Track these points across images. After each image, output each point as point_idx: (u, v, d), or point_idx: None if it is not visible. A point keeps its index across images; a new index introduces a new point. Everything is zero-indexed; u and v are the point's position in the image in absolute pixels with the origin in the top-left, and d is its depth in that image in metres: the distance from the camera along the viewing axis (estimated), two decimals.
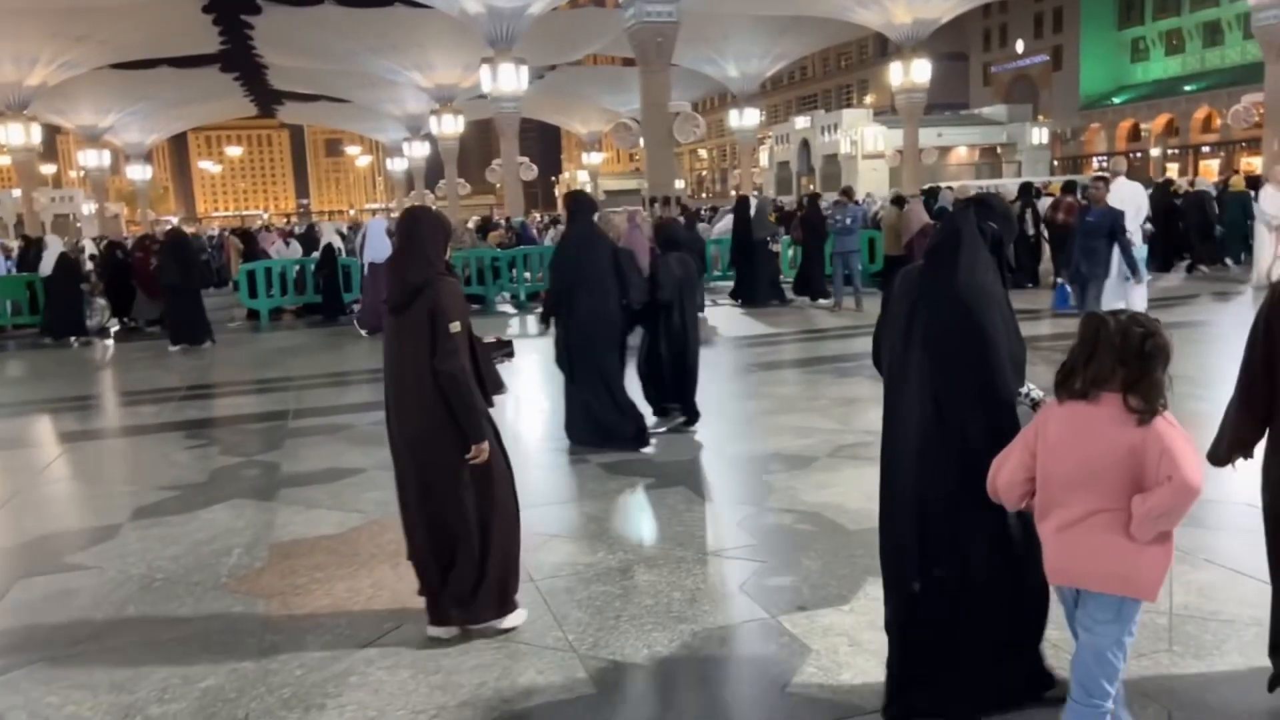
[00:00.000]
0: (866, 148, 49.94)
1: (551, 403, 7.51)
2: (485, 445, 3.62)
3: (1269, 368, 2.76)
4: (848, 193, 15.01)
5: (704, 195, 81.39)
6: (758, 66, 44.48)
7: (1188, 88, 55.59)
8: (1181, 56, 59.03)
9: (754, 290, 14.53)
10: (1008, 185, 23.21)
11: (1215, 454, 2.88)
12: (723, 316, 13.92)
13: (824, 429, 7.01)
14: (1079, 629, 2.52)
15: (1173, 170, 48.70)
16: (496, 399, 3.83)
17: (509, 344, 4.59)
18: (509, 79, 31.17)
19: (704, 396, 7.25)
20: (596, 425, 6.58)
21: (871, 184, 41.11)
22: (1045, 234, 14.64)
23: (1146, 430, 2.30)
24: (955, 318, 2.81)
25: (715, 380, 8.63)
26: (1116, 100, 61.62)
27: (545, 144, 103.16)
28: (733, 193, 53.43)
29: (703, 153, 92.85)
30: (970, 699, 2.90)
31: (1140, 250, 10.17)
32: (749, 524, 5.08)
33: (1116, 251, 9.66)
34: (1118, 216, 9.27)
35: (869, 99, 67.48)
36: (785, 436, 6.85)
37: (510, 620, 3.81)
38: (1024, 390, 2.82)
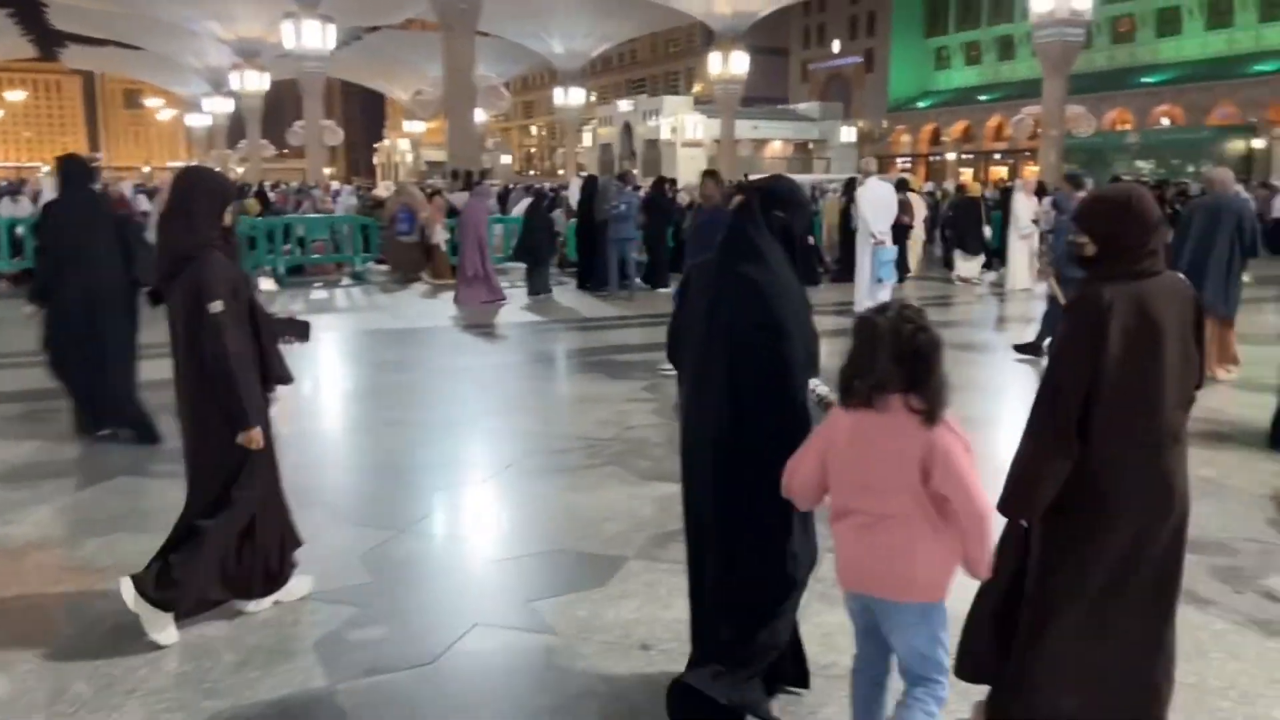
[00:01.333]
0: (686, 135, 50.79)
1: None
2: (255, 432, 3.43)
3: (1085, 402, 2.52)
4: (624, 177, 14.78)
5: (532, 172, 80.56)
6: (583, 45, 44.32)
7: (982, 97, 59.49)
8: (979, 67, 63.15)
9: (594, 273, 13.97)
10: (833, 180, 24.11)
11: (1019, 505, 2.63)
12: (557, 301, 13.50)
13: (534, 431, 6.52)
14: (889, 638, 2.48)
15: (966, 174, 52.08)
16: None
17: (304, 325, 4.10)
18: (313, 36, 29.68)
19: (422, 392, 6.89)
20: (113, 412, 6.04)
21: (691, 172, 41.87)
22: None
23: (933, 439, 2.27)
24: (752, 311, 2.74)
25: (437, 374, 8.35)
26: (921, 105, 65.21)
27: (369, 110, 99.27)
28: (560, 171, 53.22)
29: (534, 129, 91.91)
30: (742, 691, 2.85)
31: (889, 252, 10.65)
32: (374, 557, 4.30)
33: (870, 254, 10.16)
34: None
35: (696, 88, 68.62)
36: (476, 442, 6.45)
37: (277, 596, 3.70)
38: (811, 386, 2.77)
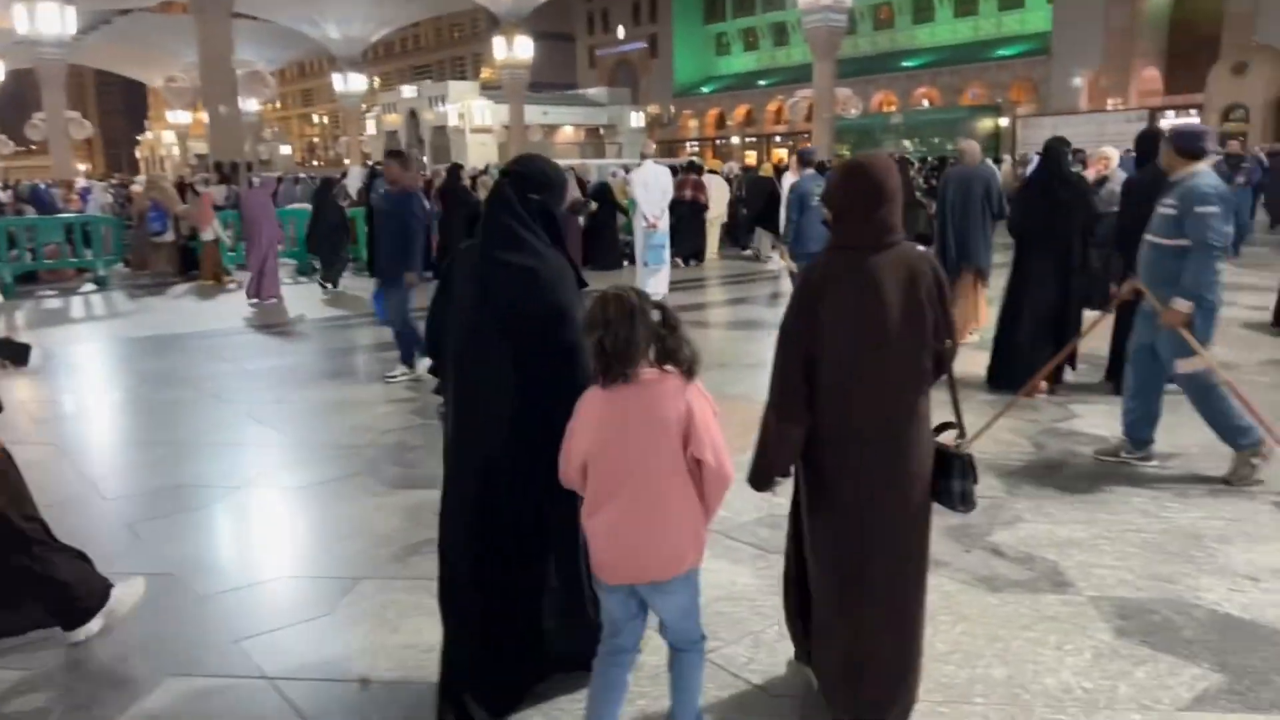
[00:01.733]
0: (474, 121, 49.81)
1: None
2: None
3: (809, 367, 2.55)
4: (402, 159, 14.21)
5: (316, 162, 76.71)
6: (361, 30, 42.47)
7: (761, 82, 61.92)
8: (757, 53, 65.71)
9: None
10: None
11: (758, 476, 2.65)
12: (344, 293, 12.77)
13: (280, 443, 6.24)
14: (660, 614, 2.50)
15: (751, 157, 53.96)
16: None
17: (21, 347, 3.50)
18: (51, 21, 26.84)
19: (156, 406, 6.26)
20: None
21: (481, 158, 41.04)
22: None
23: (689, 402, 2.32)
24: (530, 300, 2.66)
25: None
26: (705, 90, 67.15)
27: (131, 101, 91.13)
28: (346, 161, 50.85)
29: (316, 118, 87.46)
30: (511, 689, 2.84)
31: (659, 236, 10.64)
32: None
33: (642, 237, 10.08)
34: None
35: (484, 73, 67.47)
36: (206, 460, 5.79)
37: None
38: None
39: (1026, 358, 6.19)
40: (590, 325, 2.33)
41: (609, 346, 2.30)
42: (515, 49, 37.72)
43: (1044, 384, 6.23)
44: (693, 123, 67.22)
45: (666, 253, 10.89)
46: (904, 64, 55.37)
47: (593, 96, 60.01)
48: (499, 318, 2.67)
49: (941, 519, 4.14)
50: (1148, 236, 4.70)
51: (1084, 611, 3.34)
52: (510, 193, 2.76)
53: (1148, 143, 6.41)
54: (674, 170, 17.30)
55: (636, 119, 58.74)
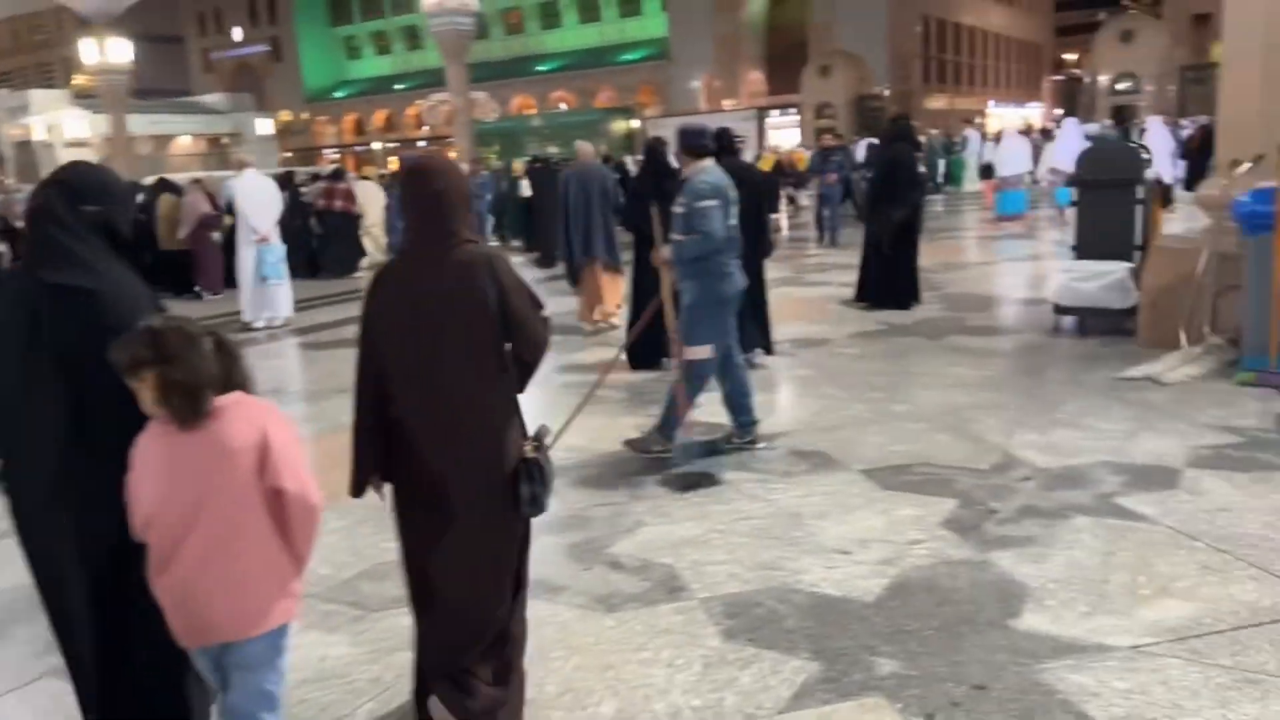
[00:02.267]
0: (67, 135, 43.78)
1: None
2: None
3: (378, 371, 2.55)
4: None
5: None
6: None
7: (398, 86, 60.45)
8: (391, 57, 64.03)
9: None
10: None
11: (352, 482, 2.64)
12: None
13: None
14: (231, 674, 2.21)
15: (395, 163, 52.43)
16: None
17: None
18: None
19: None
20: None
21: None
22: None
23: (265, 431, 2.11)
24: (91, 326, 2.19)
25: None
26: (339, 94, 64.42)
27: None
28: None
29: None
30: None
31: (274, 250, 9.74)
32: None
33: (254, 252, 9.13)
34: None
35: (77, 80, 59.49)
36: None
37: None
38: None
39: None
40: (137, 362, 2.05)
41: (171, 383, 2.05)
42: (109, 53, 33.56)
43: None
44: (329, 129, 64.28)
45: (285, 268, 9.95)
46: (538, 68, 56.64)
47: (211, 104, 55.13)
48: (53, 353, 2.21)
49: (562, 537, 3.99)
50: (672, 235, 4.84)
51: (695, 617, 3.25)
52: (58, 204, 2.33)
53: (723, 139, 6.80)
54: (314, 178, 16.21)
55: (263, 126, 54.80)
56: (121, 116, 34.79)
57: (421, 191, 2.53)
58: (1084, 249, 7.46)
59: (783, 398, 6.14)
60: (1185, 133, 17.41)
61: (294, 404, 6.94)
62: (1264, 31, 6.23)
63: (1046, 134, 22.73)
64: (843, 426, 5.35)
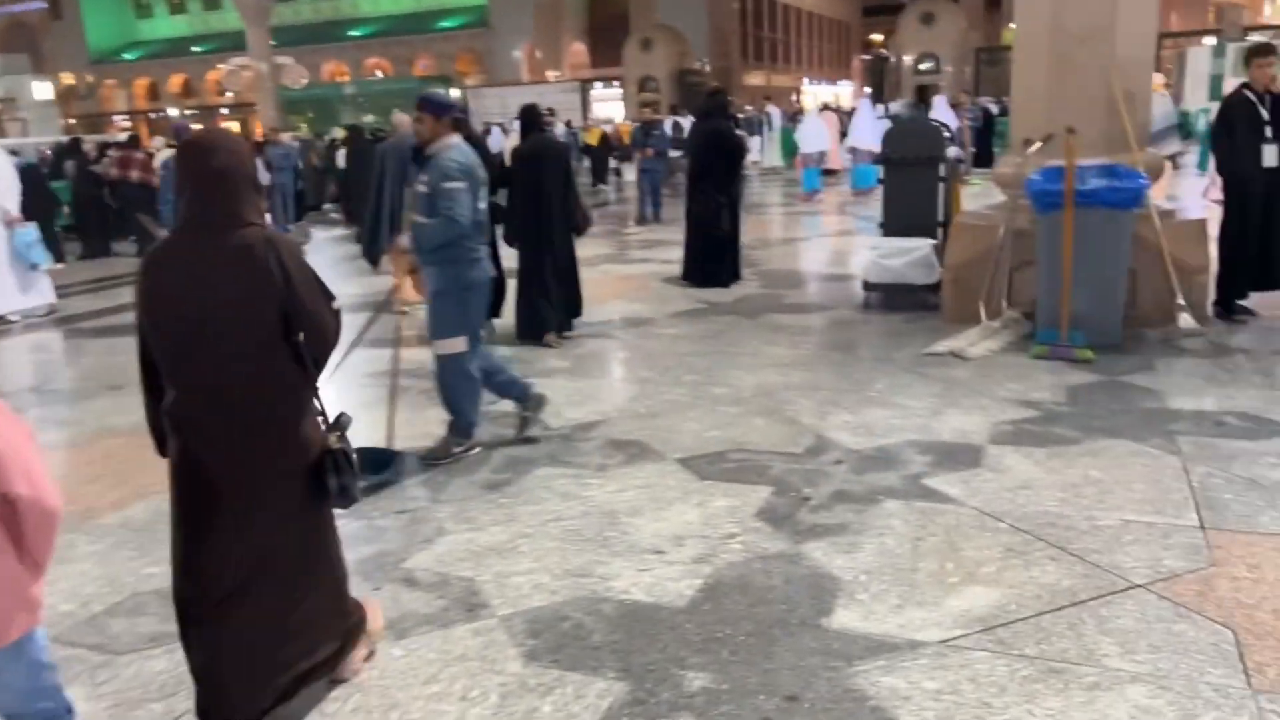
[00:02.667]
0: None
1: None
2: None
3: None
4: None
5: None
6: None
7: (195, 48, 56.32)
8: (187, 17, 59.51)
9: None
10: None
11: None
12: None
13: None
14: None
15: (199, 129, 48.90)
16: None
17: None
18: None
19: None
20: None
21: None
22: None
23: None
24: None
25: None
26: (128, 56, 59.61)
27: None
28: None
29: None
30: None
31: (27, 233, 8.64)
32: None
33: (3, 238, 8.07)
34: None
35: None
36: None
37: None
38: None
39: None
40: None
41: None
42: None
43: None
44: (119, 94, 59.28)
45: (42, 251, 8.84)
46: (351, 33, 54.10)
47: None
48: None
49: (351, 553, 3.58)
50: (415, 217, 4.43)
51: (495, 639, 2.97)
52: None
53: (527, 114, 7.15)
54: (105, 147, 14.61)
55: (41, 90, 49.74)
56: None
57: (199, 168, 2.39)
58: (890, 226, 7.62)
59: (601, 384, 5.92)
60: (967, 115, 18.32)
61: (55, 404, 6.14)
62: (1051, 15, 6.47)
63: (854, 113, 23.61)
64: (660, 413, 5.18)
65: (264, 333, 2.39)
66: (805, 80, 55.43)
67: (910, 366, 5.80)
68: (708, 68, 41.56)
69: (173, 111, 55.72)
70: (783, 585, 3.21)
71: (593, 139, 22.51)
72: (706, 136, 8.65)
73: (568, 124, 22.10)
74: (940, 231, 7.45)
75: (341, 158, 17.16)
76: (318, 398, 2.55)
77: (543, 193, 6.74)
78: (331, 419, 2.56)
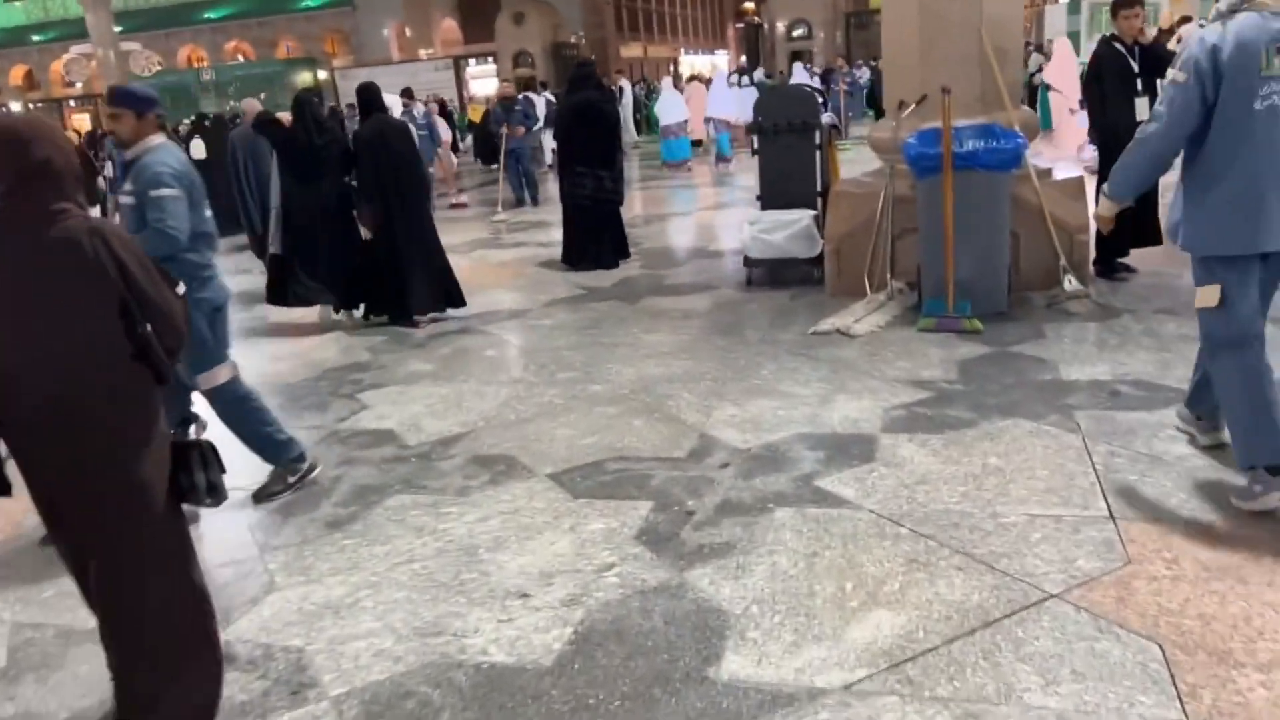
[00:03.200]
0: None
1: None
2: None
3: None
4: None
5: None
6: None
7: (36, 37, 52.59)
8: (24, 4, 55.43)
9: None
10: None
11: None
12: None
13: None
14: None
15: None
16: None
17: None
18: None
19: None
20: None
21: None
22: None
23: None
24: None
25: None
26: None
27: None
28: None
29: None
30: None
31: None
32: None
33: None
34: None
35: None
36: None
37: None
38: None
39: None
40: None
41: None
42: None
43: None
44: None
45: None
46: (207, 15, 51.32)
47: None
48: None
49: None
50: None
51: None
52: None
53: (365, 94, 7.06)
54: None
55: None
56: None
57: (12, 158, 2.20)
58: (769, 199, 7.29)
59: (467, 388, 5.39)
60: (844, 80, 18.38)
61: None
62: None
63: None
64: (532, 418, 4.72)
65: (98, 331, 2.22)
66: (682, 51, 55.16)
67: (796, 348, 5.48)
68: (583, 40, 40.82)
69: (15, 105, 51.98)
70: (664, 628, 2.80)
71: (475, 116, 21.63)
72: (576, 109, 8.14)
73: (441, 102, 21.10)
74: (819, 202, 7.15)
75: (198, 149, 16.04)
76: (159, 399, 2.37)
77: (392, 173, 6.64)
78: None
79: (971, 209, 5.49)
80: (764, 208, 7.29)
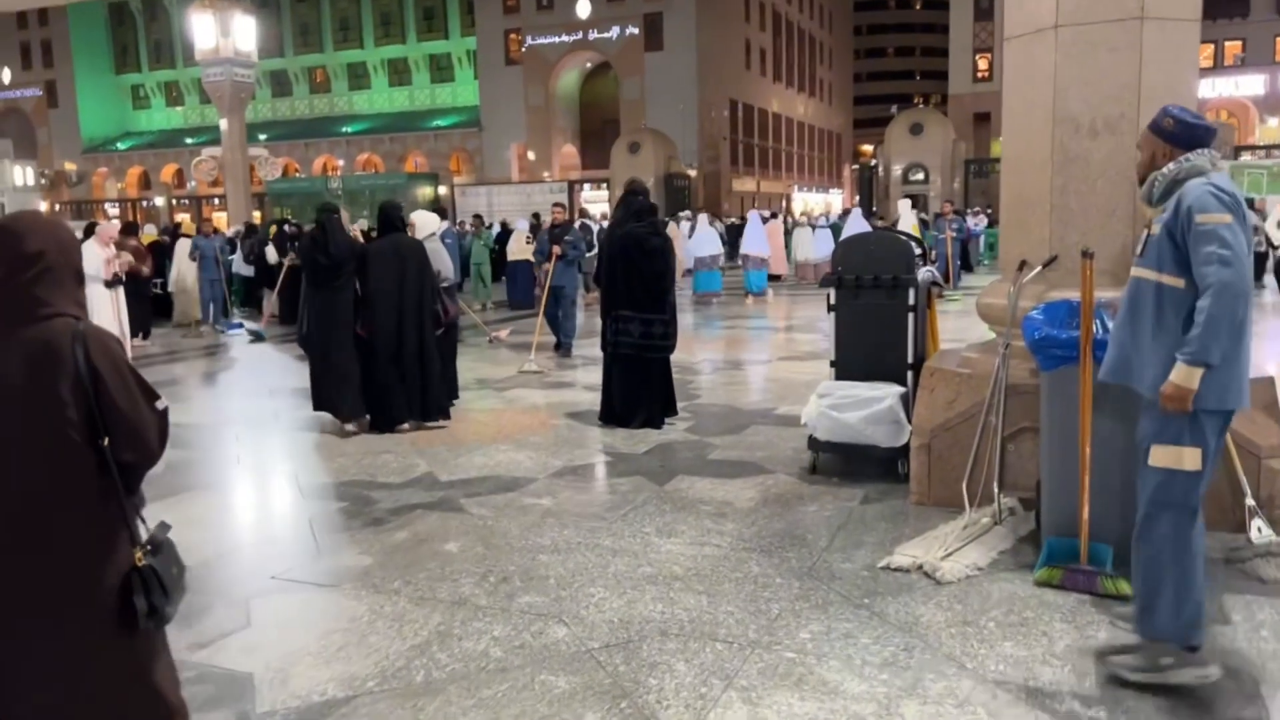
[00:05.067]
0: None
1: None
2: None
3: None
4: None
5: None
6: None
7: (189, 140, 56.30)
8: (182, 109, 59.79)
9: None
10: None
11: None
12: None
13: None
14: None
15: (185, 219, 48.37)
16: None
17: None
18: None
19: None
20: None
21: None
22: None
23: None
24: None
25: None
26: (122, 146, 59.94)
27: None
28: None
29: None
30: None
31: None
32: None
33: None
34: None
35: None
36: None
37: None
38: None
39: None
40: None
41: None
42: None
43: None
44: (111, 182, 59.24)
45: None
46: (345, 129, 54.16)
47: None
48: None
49: None
50: None
51: None
52: None
53: (385, 211, 7.39)
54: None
55: (21, 175, 49.25)
56: None
57: (3, 250, 2.13)
58: (845, 366, 5.81)
59: (385, 612, 3.92)
60: (951, 227, 17.41)
61: None
62: (1053, 100, 4.80)
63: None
64: (443, 687, 3.22)
65: (61, 440, 2.10)
66: (795, 187, 54.86)
67: (858, 592, 3.89)
68: (693, 172, 40.79)
69: (159, 201, 55.23)
70: None
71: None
72: (621, 244, 6.92)
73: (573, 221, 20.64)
74: (910, 377, 5.64)
75: (272, 254, 15.77)
76: (133, 510, 2.23)
77: (399, 288, 6.98)
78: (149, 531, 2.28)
79: (1118, 416, 3.90)
80: (838, 376, 5.81)
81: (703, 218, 20.14)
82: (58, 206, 53.74)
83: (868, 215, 22.48)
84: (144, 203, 56.19)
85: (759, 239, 17.93)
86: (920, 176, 36.28)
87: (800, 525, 4.79)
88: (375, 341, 6.94)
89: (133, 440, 2.15)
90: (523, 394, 8.56)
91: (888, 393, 5.46)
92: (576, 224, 15.76)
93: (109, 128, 60.28)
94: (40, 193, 51.62)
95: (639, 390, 6.98)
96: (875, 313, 5.71)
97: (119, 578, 2.17)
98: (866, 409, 5.43)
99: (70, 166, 57.90)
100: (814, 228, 21.34)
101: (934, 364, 5.35)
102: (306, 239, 7.78)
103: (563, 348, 10.83)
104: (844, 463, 5.65)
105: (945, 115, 42.75)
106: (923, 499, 4.97)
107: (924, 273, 5.88)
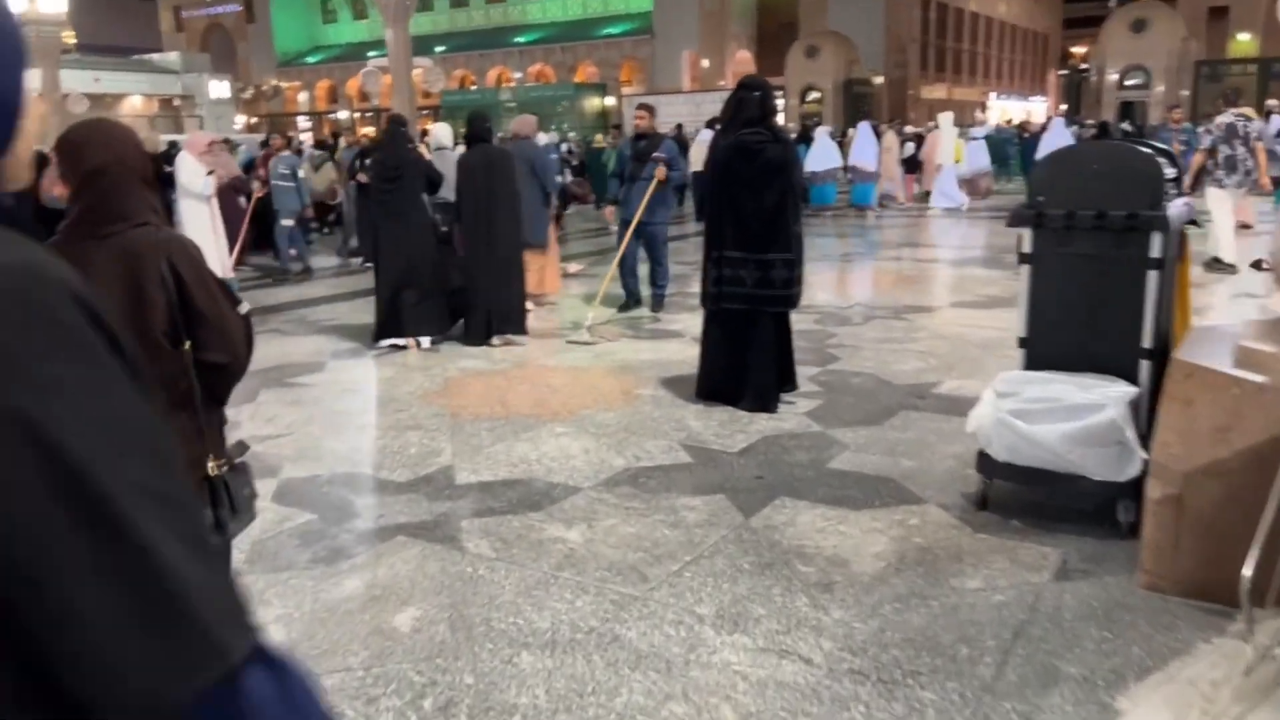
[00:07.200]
0: None
1: None
2: None
3: None
4: None
5: None
6: None
7: (372, 54, 57.18)
8: (367, 23, 60.77)
9: None
10: None
11: None
12: None
13: None
14: None
15: (369, 130, 49.48)
16: None
17: None
18: None
19: None
20: None
21: None
22: None
23: None
24: None
25: None
26: (312, 60, 61.75)
27: None
28: None
29: None
30: None
31: None
32: None
33: None
34: None
35: None
36: None
37: None
38: None
39: None
40: None
41: None
42: (40, 2, 29.95)
43: None
44: (302, 95, 61.45)
45: None
46: (517, 39, 53.49)
47: (162, 62, 51.71)
48: None
49: None
50: None
51: None
52: None
53: (473, 123, 7.42)
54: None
55: (218, 89, 51.33)
56: (54, 73, 31.25)
57: (77, 166, 2.11)
58: (1040, 348, 3.82)
59: None
60: (1179, 139, 14.00)
61: None
62: None
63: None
64: None
65: (151, 348, 2.07)
66: (992, 94, 49.70)
67: None
68: (879, 79, 37.28)
69: (343, 115, 56.63)
70: None
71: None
72: (728, 158, 5.06)
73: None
74: (1147, 369, 3.62)
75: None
76: (218, 421, 2.26)
77: (493, 199, 6.95)
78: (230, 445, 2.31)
79: None
80: (1030, 364, 3.84)
81: (821, 129, 18.66)
82: (254, 120, 56.03)
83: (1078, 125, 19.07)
84: (330, 115, 57.82)
85: (868, 151, 17.05)
86: (1138, 80, 31.42)
87: (952, 620, 2.97)
88: (467, 253, 7.10)
89: (221, 340, 2.14)
90: (616, 349, 6.93)
91: (1109, 396, 3.47)
92: (670, 136, 10.48)
93: (301, 42, 62.15)
94: (238, 106, 53.77)
95: (753, 358, 5.20)
96: (1095, 267, 3.67)
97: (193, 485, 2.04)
98: (1072, 421, 3.47)
99: (272, 83, 60.09)
100: (967, 139, 18.15)
101: (1189, 357, 3.30)
102: (376, 152, 7.86)
103: (656, 300, 8.29)
104: (1031, 498, 3.75)
105: (1174, 8, 36.89)
106: (1161, 583, 3.05)
107: (1177, 206, 3.77)
